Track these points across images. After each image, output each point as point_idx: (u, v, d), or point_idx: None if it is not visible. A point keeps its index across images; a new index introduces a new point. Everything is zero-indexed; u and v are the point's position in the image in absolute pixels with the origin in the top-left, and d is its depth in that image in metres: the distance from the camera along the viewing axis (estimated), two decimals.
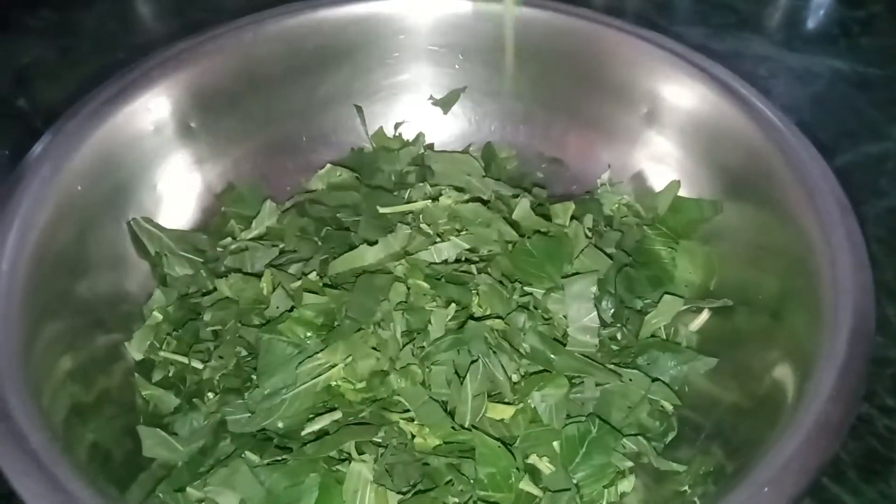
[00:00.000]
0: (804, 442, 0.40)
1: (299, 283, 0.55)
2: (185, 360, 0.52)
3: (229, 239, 0.63)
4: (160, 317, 0.56)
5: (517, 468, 0.47)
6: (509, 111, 0.71)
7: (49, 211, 0.52)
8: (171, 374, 0.53)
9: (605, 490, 0.49)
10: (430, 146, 0.72)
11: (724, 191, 0.60)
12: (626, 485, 0.50)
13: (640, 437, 0.51)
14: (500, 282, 0.55)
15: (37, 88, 0.82)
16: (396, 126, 0.72)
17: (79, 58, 0.86)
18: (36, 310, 0.48)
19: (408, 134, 0.72)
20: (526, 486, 0.47)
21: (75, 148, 0.55)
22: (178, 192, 0.63)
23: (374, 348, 0.51)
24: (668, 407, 0.53)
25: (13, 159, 0.53)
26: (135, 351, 0.55)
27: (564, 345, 0.53)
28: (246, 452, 0.47)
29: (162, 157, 0.62)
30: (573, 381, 0.51)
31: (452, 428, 0.48)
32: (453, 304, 0.53)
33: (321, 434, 0.48)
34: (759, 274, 0.55)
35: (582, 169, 0.69)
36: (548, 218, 0.61)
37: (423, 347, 0.51)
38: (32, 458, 0.39)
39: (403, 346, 0.51)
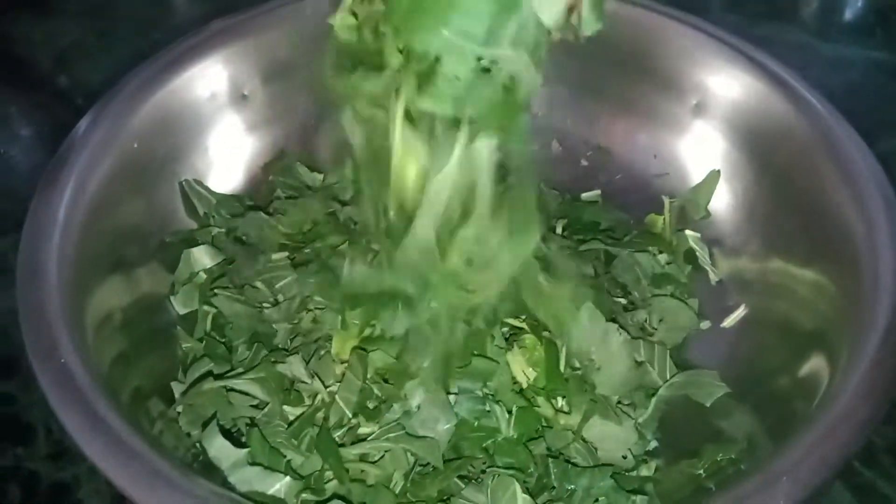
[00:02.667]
0: (826, 435, 0.40)
1: None
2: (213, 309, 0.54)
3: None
4: (204, 276, 0.58)
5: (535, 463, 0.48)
6: (557, 98, 0.71)
7: (107, 165, 0.54)
8: (209, 330, 0.55)
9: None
10: None
11: (768, 182, 0.59)
12: (647, 469, 0.50)
13: None
14: None
15: (77, 68, 0.84)
16: None
17: (116, 39, 0.88)
18: (88, 259, 0.50)
19: None
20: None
21: (134, 108, 0.57)
22: (228, 157, 0.65)
23: None
24: None
25: (56, 135, 0.55)
26: (179, 306, 0.57)
27: None
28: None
29: (215, 123, 0.64)
30: None
31: None
32: None
33: None
34: (799, 261, 0.54)
35: (628, 158, 0.69)
36: None
37: None
38: (79, 397, 0.41)
39: None
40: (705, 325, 0.59)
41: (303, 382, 0.48)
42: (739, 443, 0.48)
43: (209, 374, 0.49)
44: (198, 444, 0.47)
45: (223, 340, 0.52)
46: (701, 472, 0.48)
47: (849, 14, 0.92)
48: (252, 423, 0.47)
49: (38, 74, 0.84)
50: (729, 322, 0.59)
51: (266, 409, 0.47)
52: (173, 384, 0.51)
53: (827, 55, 0.86)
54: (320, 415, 0.46)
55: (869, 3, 0.93)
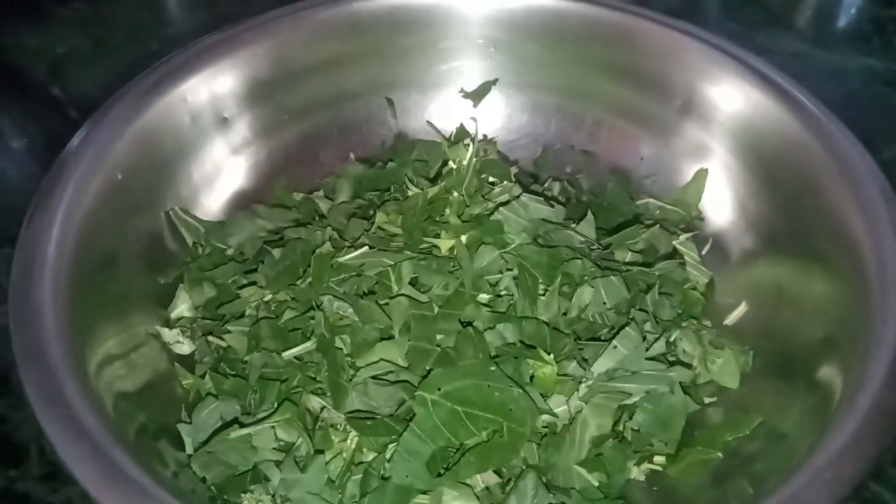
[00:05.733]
0: (861, 428, 0.40)
1: None
2: (224, 343, 0.53)
3: None
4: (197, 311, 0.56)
5: None
6: (541, 104, 0.71)
7: (91, 200, 0.52)
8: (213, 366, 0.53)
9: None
10: None
11: (762, 181, 0.59)
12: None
13: None
14: None
15: (71, 78, 0.83)
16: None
17: (112, 48, 0.86)
18: (81, 298, 0.48)
19: (441, 126, 0.71)
20: None
21: (116, 138, 0.55)
22: (213, 182, 0.63)
23: None
24: None
25: (49, 146, 0.53)
26: (176, 342, 0.55)
27: None
28: None
29: (198, 148, 0.62)
30: None
31: None
32: None
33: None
34: (801, 264, 0.54)
35: (615, 162, 0.69)
36: None
37: None
38: (89, 443, 0.39)
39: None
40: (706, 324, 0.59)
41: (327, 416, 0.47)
42: (751, 420, 0.49)
43: (234, 421, 0.47)
44: (212, 488, 0.46)
45: (233, 374, 0.50)
46: (718, 454, 0.48)
47: (843, 22, 0.93)
48: (277, 465, 0.45)
49: (32, 83, 0.82)
50: (731, 320, 0.59)
51: (298, 450, 0.46)
52: (179, 426, 0.49)
53: (825, 63, 0.87)
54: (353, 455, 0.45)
55: (863, 11, 0.94)
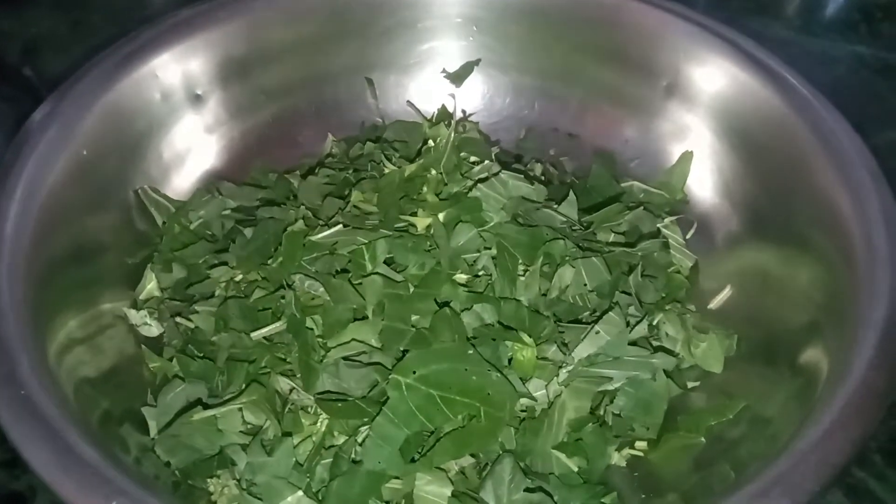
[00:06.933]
0: (846, 410, 0.39)
1: None
2: (191, 324, 0.51)
3: None
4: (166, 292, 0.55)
5: None
6: (523, 85, 0.69)
7: (54, 175, 0.50)
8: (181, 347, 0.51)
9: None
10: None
11: (748, 164, 0.58)
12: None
13: None
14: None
15: (44, 59, 0.81)
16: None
17: (88, 31, 0.84)
18: (42, 278, 0.46)
19: (421, 107, 0.70)
20: None
21: (81, 113, 0.53)
22: (184, 160, 0.62)
23: None
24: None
25: (17, 125, 0.52)
26: (143, 324, 0.53)
27: None
28: None
29: (169, 126, 0.60)
30: None
31: None
32: None
33: None
34: (787, 247, 0.53)
35: (599, 144, 0.67)
36: None
37: None
38: (43, 426, 0.37)
39: None
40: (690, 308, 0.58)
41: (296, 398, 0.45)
42: (734, 405, 0.47)
43: (198, 402, 0.46)
44: (177, 472, 0.44)
45: (201, 356, 0.48)
46: (701, 439, 0.47)
47: (831, 9, 0.92)
48: (244, 448, 0.44)
49: (5, 65, 0.80)
50: (716, 304, 0.58)
51: (265, 433, 0.44)
52: (144, 409, 0.47)
53: (812, 51, 0.86)
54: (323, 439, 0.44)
55: None
